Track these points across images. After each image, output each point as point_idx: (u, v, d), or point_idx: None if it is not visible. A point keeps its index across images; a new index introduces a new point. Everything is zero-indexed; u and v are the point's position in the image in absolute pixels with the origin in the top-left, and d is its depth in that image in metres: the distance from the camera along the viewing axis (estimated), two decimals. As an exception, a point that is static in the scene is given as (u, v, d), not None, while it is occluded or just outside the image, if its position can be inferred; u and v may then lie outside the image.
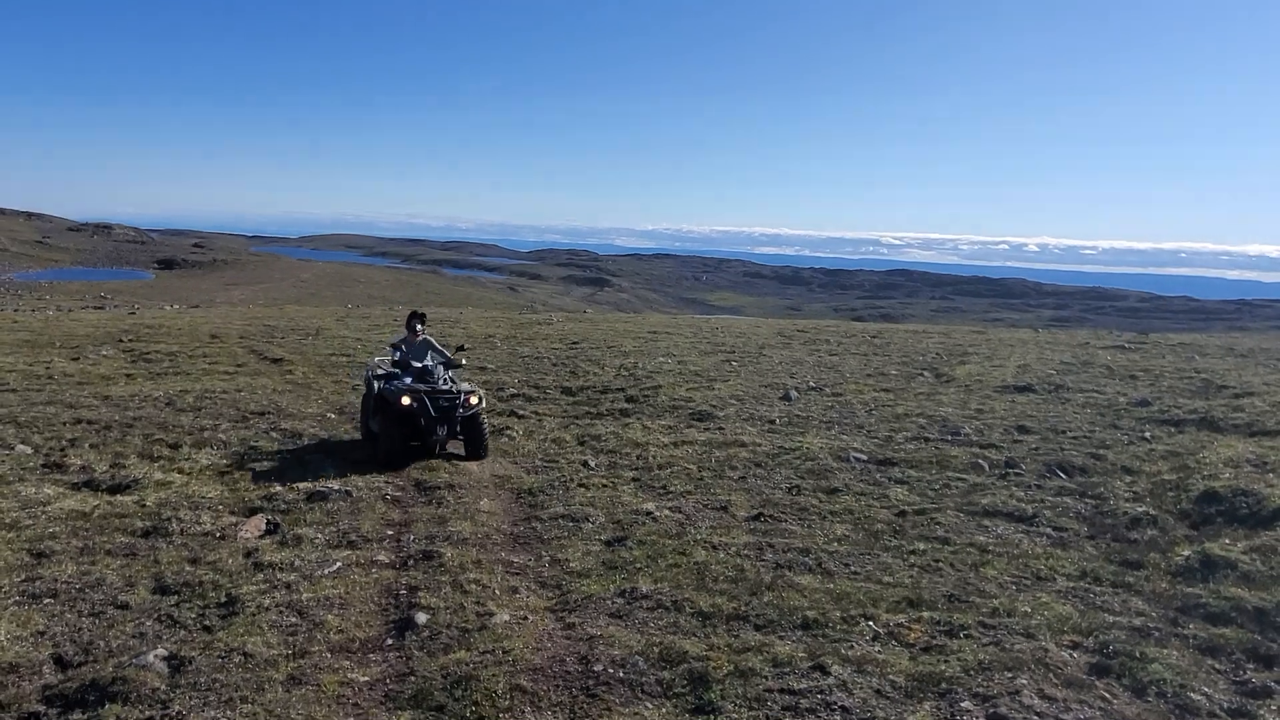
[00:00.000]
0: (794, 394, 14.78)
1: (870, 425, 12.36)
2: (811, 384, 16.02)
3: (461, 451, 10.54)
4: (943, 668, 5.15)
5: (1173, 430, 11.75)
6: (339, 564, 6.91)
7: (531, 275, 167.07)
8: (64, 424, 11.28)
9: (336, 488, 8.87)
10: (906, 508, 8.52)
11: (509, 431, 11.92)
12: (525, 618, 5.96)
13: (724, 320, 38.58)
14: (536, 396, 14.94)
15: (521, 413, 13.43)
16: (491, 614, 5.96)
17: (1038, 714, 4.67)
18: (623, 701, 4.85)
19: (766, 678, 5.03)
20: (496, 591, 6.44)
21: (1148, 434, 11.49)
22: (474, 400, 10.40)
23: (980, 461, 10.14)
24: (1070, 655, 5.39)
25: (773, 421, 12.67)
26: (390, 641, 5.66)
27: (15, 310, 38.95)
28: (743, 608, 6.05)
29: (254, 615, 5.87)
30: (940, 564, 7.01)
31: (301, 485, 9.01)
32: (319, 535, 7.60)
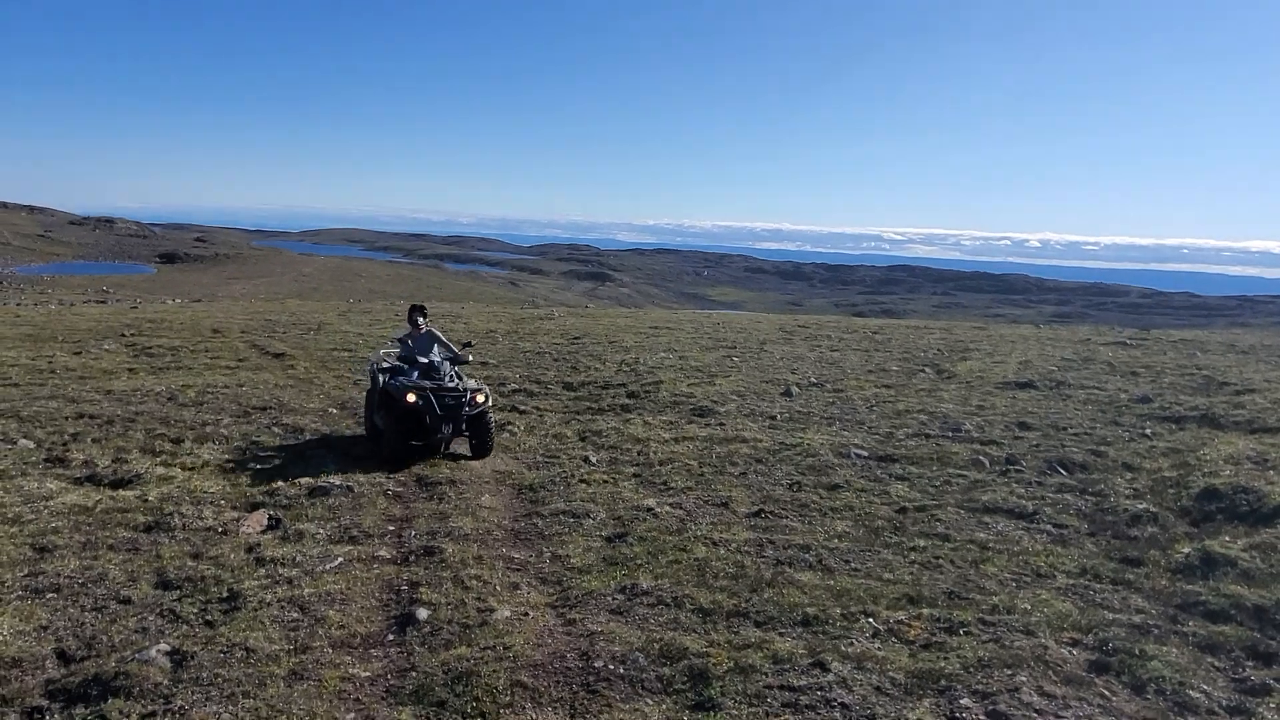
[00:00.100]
0: (795, 390, 14.79)
1: (871, 421, 12.36)
2: (813, 380, 16.03)
3: (467, 451, 10.43)
4: (942, 665, 5.16)
5: (1173, 427, 11.76)
6: (340, 559, 6.93)
7: (533, 270, 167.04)
8: (66, 419, 11.30)
9: (338, 483, 8.89)
10: (907, 504, 8.53)
11: (510, 427, 11.93)
12: (526, 614, 5.97)
13: (725, 315, 38.60)
14: (538, 392, 14.95)
15: (523, 408, 13.44)
16: (492, 610, 5.98)
17: (1037, 711, 4.69)
18: (623, 698, 4.86)
19: (766, 674, 5.05)
20: (497, 587, 6.46)
21: (1148, 431, 11.49)
22: (480, 398, 10.23)
23: (981, 458, 10.15)
24: (1070, 652, 5.40)
25: (774, 417, 12.68)
26: (391, 637, 5.68)
27: (18, 304, 38.99)
28: (743, 604, 6.07)
29: (256, 610, 5.89)
30: (940, 561, 7.02)
31: (303, 480, 9.03)
32: (321, 530, 7.62)
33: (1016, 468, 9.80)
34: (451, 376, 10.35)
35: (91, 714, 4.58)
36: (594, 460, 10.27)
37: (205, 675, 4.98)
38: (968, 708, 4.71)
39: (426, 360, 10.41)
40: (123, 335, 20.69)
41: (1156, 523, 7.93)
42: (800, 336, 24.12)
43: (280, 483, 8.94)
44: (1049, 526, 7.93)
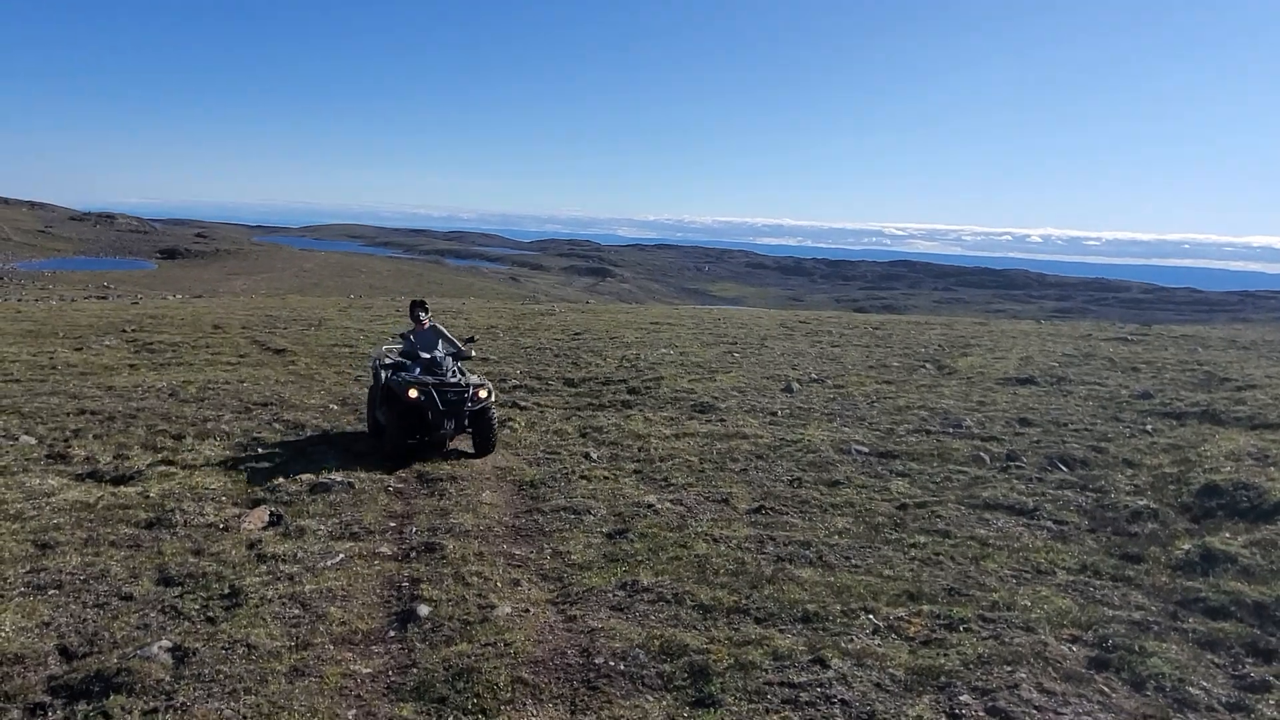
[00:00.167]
0: (796, 386, 14.79)
1: (872, 417, 12.37)
2: (813, 376, 16.03)
3: (469, 448, 10.35)
4: (942, 661, 5.18)
5: (1174, 423, 11.75)
6: (341, 556, 6.95)
7: (534, 266, 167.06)
8: (68, 415, 11.32)
9: (339, 479, 8.90)
10: (907, 500, 8.54)
11: (511, 423, 11.93)
12: (527, 610, 5.99)
13: (726, 311, 38.56)
14: (538, 388, 14.96)
15: (523, 404, 13.45)
16: (493, 606, 6.00)
17: (1036, 708, 4.70)
18: (623, 694, 4.88)
19: (767, 671, 5.06)
20: (498, 584, 6.47)
21: (1149, 427, 11.49)
22: (483, 394, 10.14)
23: (981, 454, 10.15)
24: (1069, 649, 5.41)
25: (774, 413, 12.68)
26: (392, 633, 5.69)
27: (19, 300, 39.01)
28: (743, 601, 6.08)
29: (257, 607, 5.90)
30: (941, 557, 7.03)
31: (304, 477, 9.04)
32: (322, 527, 7.64)
33: (1017, 464, 9.81)
34: (454, 372, 10.28)
35: (94, 710, 4.60)
36: (595, 456, 10.28)
37: (207, 672, 5.00)
38: (967, 704, 4.72)
39: (429, 356, 10.34)
40: (124, 331, 20.71)
41: (1157, 519, 7.94)
42: (801, 332, 24.11)
43: (281, 479, 8.96)
44: (1049, 523, 7.94)
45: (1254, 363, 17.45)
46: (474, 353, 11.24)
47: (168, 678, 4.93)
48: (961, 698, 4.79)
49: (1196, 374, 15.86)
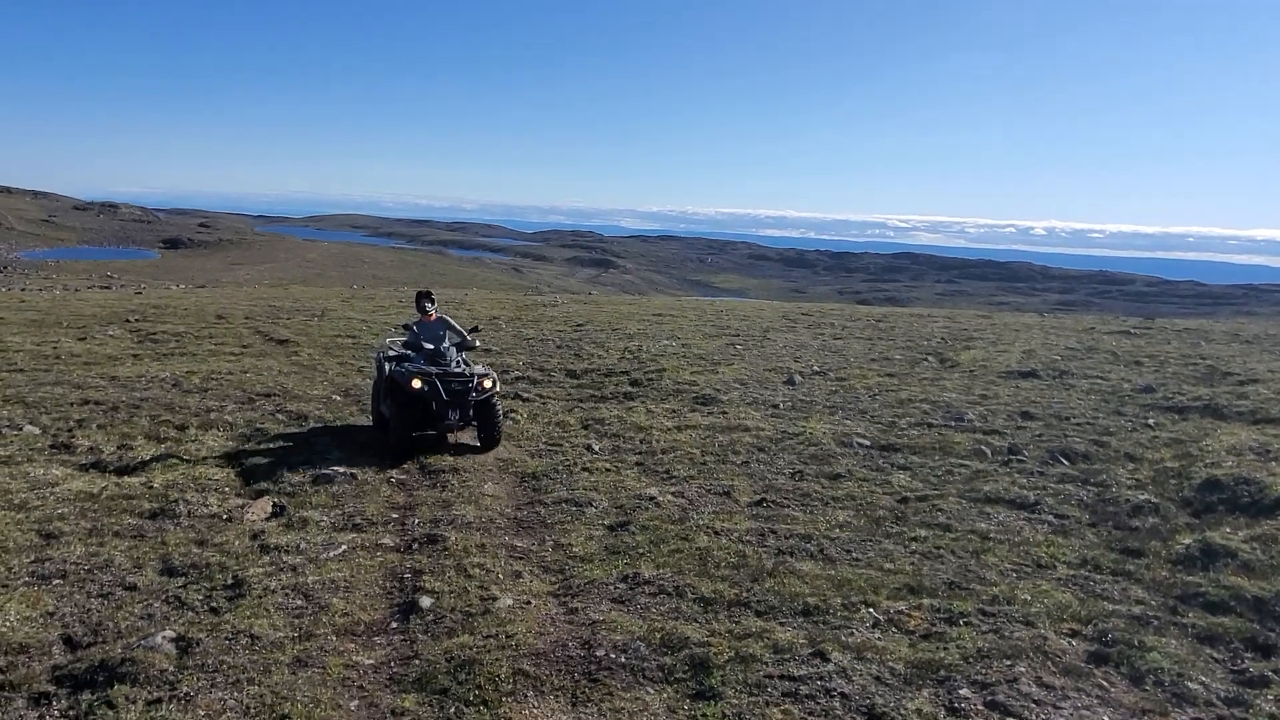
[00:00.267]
0: (798, 378, 14.80)
1: (874, 411, 12.37)
2: (815, 368, 16.03)
3: (475, 442, 10.27)
4: (942, 655, 5.20)
5: (1176, 417, 11.75)
6: (344, 547, 6.97)
7: (536, 257, 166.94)
8: (71, 405, 11.34)
9: (342, 470, 8.92)
10: (909, 494, 8.55)
11: (513, 415, 11.95)
12: (528, 602, 6.01)
13: (728, 303, 38.57)
14: (541, 379, 14.98)
15: (526, 395, 13.47)
16: (495, 598, 6.02)
17: (1035, 702, 4.72)
18: (624, 686, 4.90)
19: (767, 664, 5.09)
20: (500, 576, 6.50)
21: (1151, 421, 11.49)
22: (487, 383, 10.07)
23: (983, 448, 10.16)
24: (1069, 643, 5.43)
25: (776, 406, 12.69)
26: (395, 625, 5.72)
27: (22, 289, 39.05)
28: (744, 594, 6.10)
29: (260, 598, 5.93)
30: (941, 551, 7.05)
31: (307, 468, 9.06)
32: (324, 518, 7.66)
33: (1019, 458, 9.81)
34: (458, 362, 10.23)
35: (98, 700, 4.63)
36: (597, 448, 10.29)
37: (210, 662, 5.03)
38: (967, 698, 4.75)
39: (432, 346, 10.28)
40: (127, 321, 20.73)
41: (1158, 513, 7.95)
42: (803, 324, 24.11)
43: (284, 470, 8.98)
44: (1050, 517, 7.95)
45: (1257, 357, 17.45)
46: (478, 343, 11.19)
47: (171, 668, 4.96)
48: (961, 691, 4.81)
49: (1199, 368, 15.85)
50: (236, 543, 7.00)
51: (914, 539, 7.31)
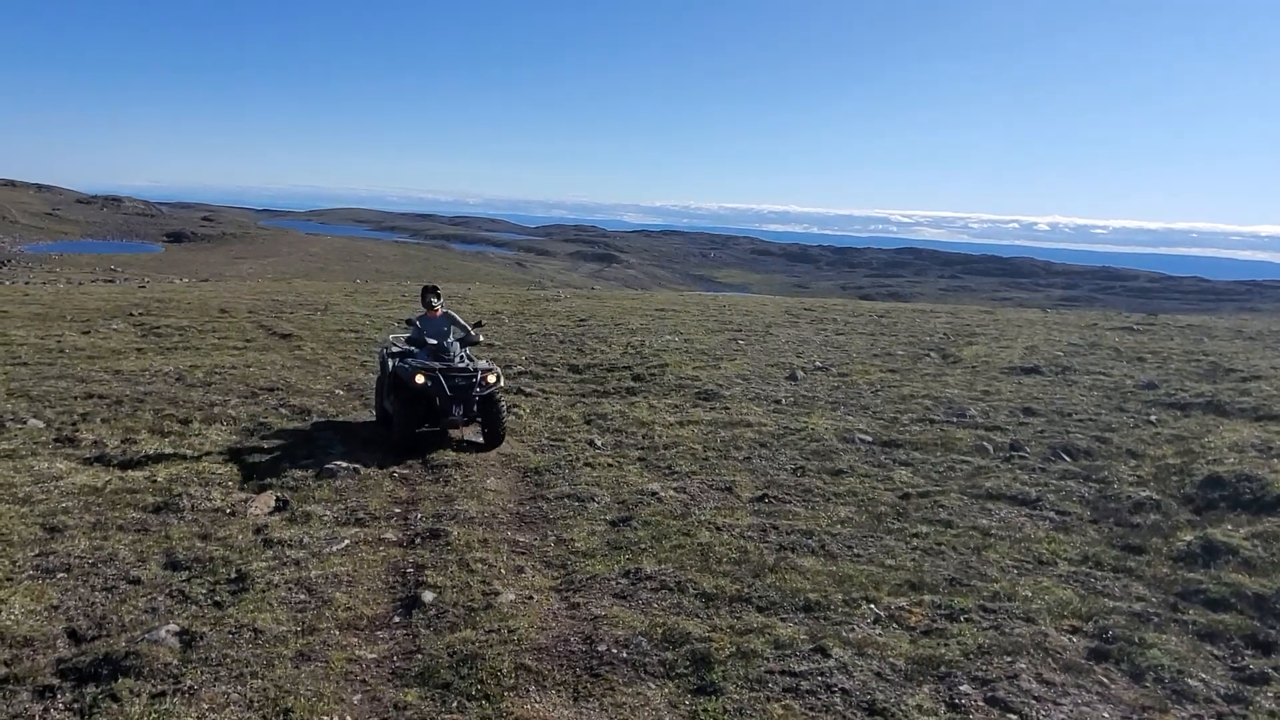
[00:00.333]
0: (800, 374, 14.80)
1: (876, 406, 12.38)
2: (818, 364, 16.03)
3: (479, 439, 10.18)
4: (943, 651, 5.21)
5: (1179, 414, 11.75)
6: (347, 541, 7.00)
7: (540, 251, 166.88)
8: (75, 398, 11.38)
9: (345, 465, 8.95)
10: (910, 490, 8.56)
11: (516, 410, 11.96)
12: (530, 597, 6.04)
13: (731, 298, 38.54)
14: (544, 374, 14.99)
15: (529, 391, 13.49)
16: (497, 593, 6.04)
17: (1035, 698, 4.74)
18: (626, 681, 4.92)
19: (768, 659, 5.10)
20: (502, 571, 6.52)
21: (1153, 417, 11.49)
22: (491, 379, 9.96)
23: (985, 444, 10.16)
24: (1069, 640, 5.44)
25: (778, 401, 12.70)
26: (397, 619, 5.74)
27: (26, 283, 39.12)
28: (746, 589, 6.12)
29: (264, 592, 5.96)
30: (943, 547, 7.06)
31: (310, 462, 9.10)
32: (327, 512, 7.69)
33: (1020, 454, 9.82)
34: (462, 357, 10.17)
35: (102, 693, 4.65)
36: (599, 444, 10.31)
37: (214, 655, 5.06)
38: (967, 694, 4.76)
39: (435, 342, 10.20)
40: (131, 315, 20.77)
41: (1159, 510, 7.95)
42: (806, 320, 24.10)
43: (287, 464, 9.01)
44: (1052, 513, 7.96)
45: (1259, 353, 17.43)
46: (482, 337, 11.13)
47: (175, 661, 4.98)
48: (961, 688, 4.82)
49: (1202, 364, 15.84)
50: (240, 537, 7.02)
51: (915, 535, 7.33)
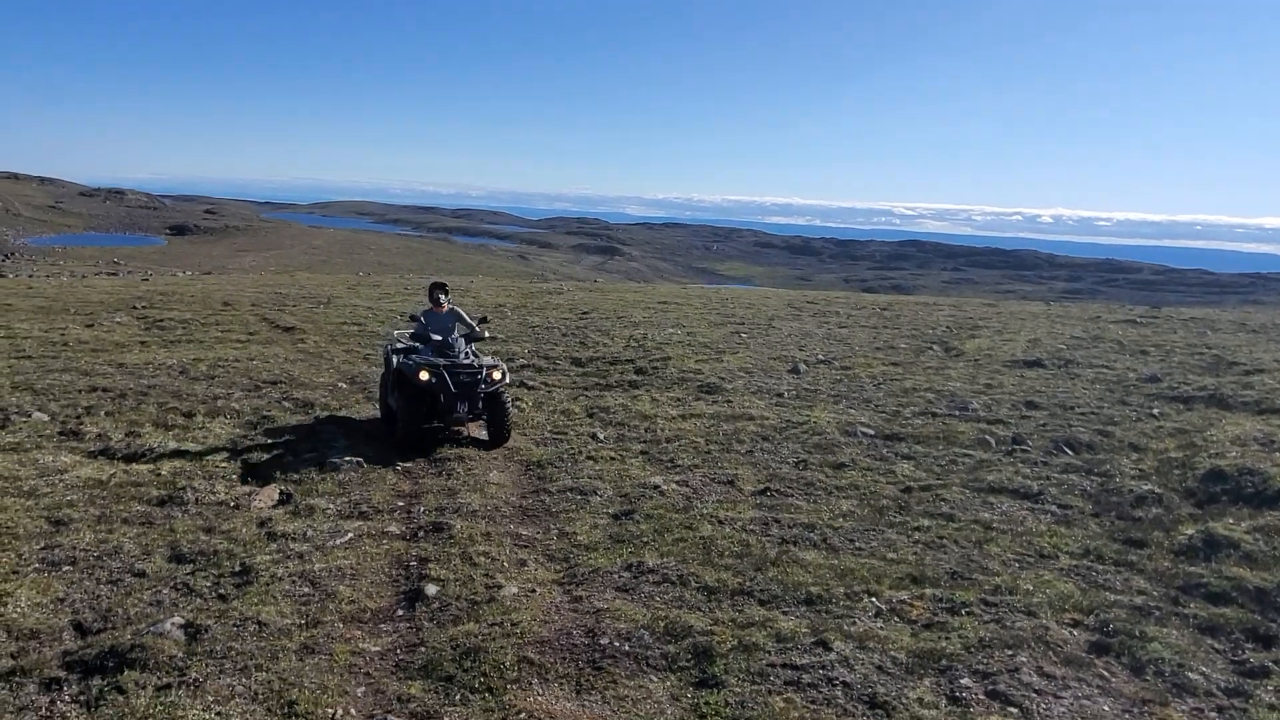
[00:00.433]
0: (802, 367, 14.81)
1: (878, 400, 12.39)
2: (820, 357, 16.04)
3: (484, 435, 10.08)
4: (944, 644, 5.23)
5: (1181, 407, 11.74)
6: (350, 535, 7.03)
7: (542, 244, 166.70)
8: (79, 392, 11.41)
9: (348, 458, 8.97)
10: (912, 484, 8.57)
11: (519, 403, 11.97)
12: (533, 590, 6.06)
13: (734, 291, 38.52)
14: (546, 367, 15.01)
15: (531, 384, 13.50)
16: (500, 586, 6.07)
17: (1036, 691, 4.76)
18: (628, 674, 4.95)
19: (770, 652, 5.13)
20: (505, 564, 6.54)
21: (1156, 411, 11.48)
22: (496, 375, 9.84)
23: (987, 437, 10.17)
24: (1070, 633, 5.46)
25: (781, 395, 12.71)
26: (401, 612, 5.77)
27: (30, 276, 39.17)
28: (748, 583, 6.14)
29: (268, 585, 5.99)
30: (944, 541, 7.07)
31: (313, 455, 9.13)
32: (331, 506, 7.72)
33: (1023, 447, 9.82)
34: (467, 353, 10.10)
35: (108, 685, 4.68)
36: (601, 437, 10.33)
37: (219, 648, 5.09)
38: (968, 687, 4.78)
39: (440, 338, 10.12)
40: (134, 308, 20.80)
41: (1161, 504, 7.96)
42: (809, 313, 24.09)
43: (291, 458, 9.05)
44: (1053, 507, 7.97)
45: (1263, 346, 17.40)
46: (487, 333, 11.01)
47: (180, 654, 5.01)
48: (962, 681, 4.85)
49: (1205, 358, 15.82)
50: (244, 530, 7.05)
51: (917, 528, 7.34)
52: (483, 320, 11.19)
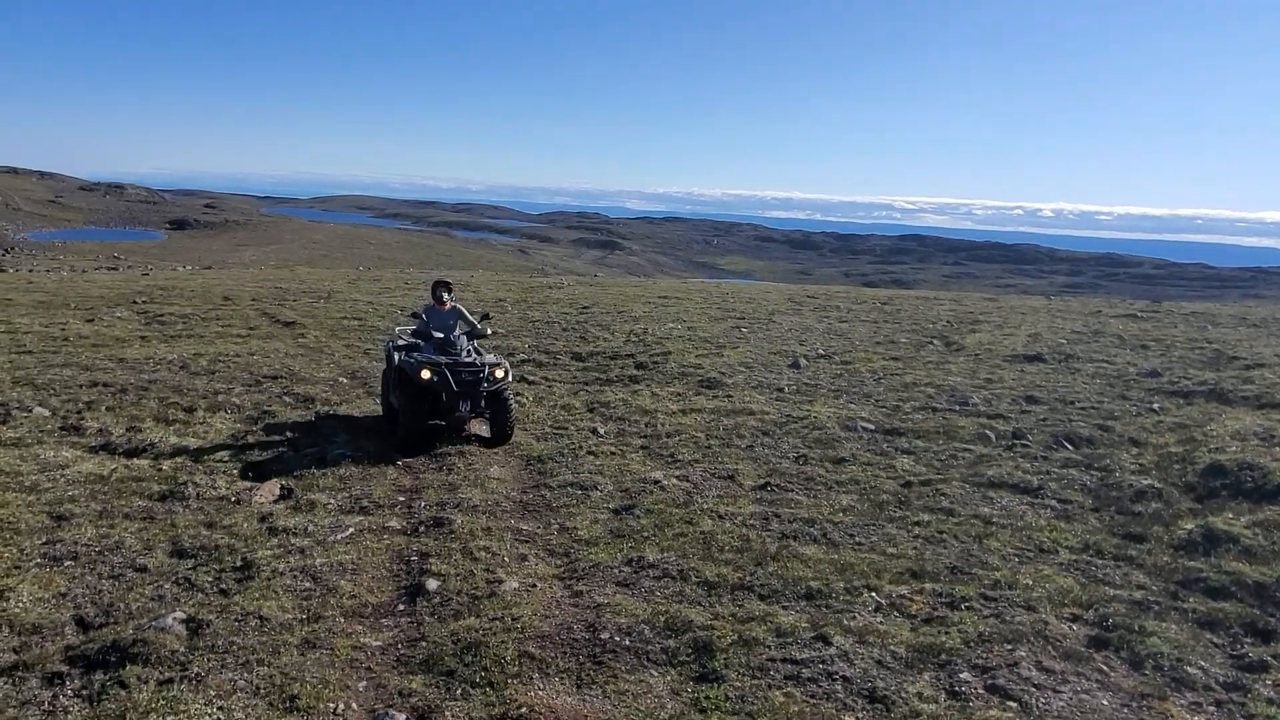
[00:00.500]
0: (803, 362, 14.81)
1: (878, 394, 12.39)
2: (821, 351, 16.04)
3: (486, 433, 9.97)
4: (943, 639, 5.24)
5: (1181, 402, 11.75)
6: (351, 530, 7.04)
7: (542, 238, 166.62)
8: (80, 387, 11.42)
9: (349, 453, 8.99)
10: (912, 478, 8.58)
11: (519, 398, 11.97)
12: (534, 585, 6.07)
13: (734, 285, 38.52)
14: (546, 362, 15.02)
15: (532, 379, 13.51)
16: (500, 581, 6.08)
17: (1035, 685, 4.77)
18: (629, 669, 4.96)
19: (770, 647, 5.14)
20: (506, 559, 6.56)
21: (1156, 405, 11.49)
22: (499, 373, 9.68)
23: (987, 432, 10.18)
24: (1070, 628, 5.47)
25: (781, 390, 12.72)
26: (402, 607, 5.79)
27: (30, 270, 39.17)
28: (748, 577, 6.15)
29: (269, 580, 6.00)
30: (944, 535, 7.09)
31: (314, 450, 9.14)
32: (332, 501, 7.73)
33: (1023, 442, 9.83)
34: (469, 351, 10.05)
35: (110, 680, 4.69)
36: (602, 432, 10.34)
37: (221, 643, 5.10)
38: (967, 681, 4.80)
39: (442, 335, 10.06)
40: (134, 302, 20.81)
41: (1161, 499, 7.97)
42: (809, 307, 24.09)
43: (291, 453, 9.06)
44: (1053, 502, 7.98)
45: (1263, 341, 17.41)
46: (490, 330, 10.92)
47: (182, 649, 5.02)
48: (962, 675, 4.86)
49: (1205, 352, 15.83)
50: (245, 525, 7.06)
51: (917, 523, 7.35)
52: (485, 317, 11.11)
